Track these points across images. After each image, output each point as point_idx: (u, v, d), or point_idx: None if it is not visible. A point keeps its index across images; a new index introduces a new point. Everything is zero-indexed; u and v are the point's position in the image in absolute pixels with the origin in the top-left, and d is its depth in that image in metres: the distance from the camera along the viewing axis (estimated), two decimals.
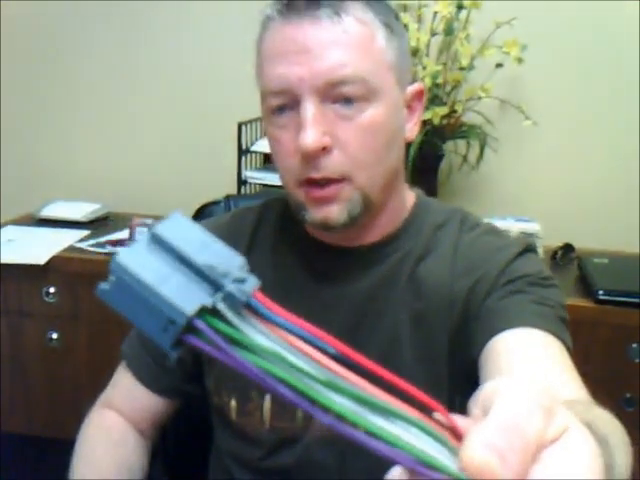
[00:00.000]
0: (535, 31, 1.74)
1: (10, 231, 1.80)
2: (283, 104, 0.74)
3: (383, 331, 0.80)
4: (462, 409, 0.30)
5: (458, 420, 0.27)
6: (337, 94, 0.72)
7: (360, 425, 0.24)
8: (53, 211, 1.93)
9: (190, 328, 0.24)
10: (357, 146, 0.74)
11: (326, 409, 0.24)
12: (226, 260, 0.25)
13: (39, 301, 1.69)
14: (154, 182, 2.08)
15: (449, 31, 1.68)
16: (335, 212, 0.75)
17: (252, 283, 0.25)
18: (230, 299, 0.24)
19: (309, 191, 0.75)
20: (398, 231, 0.83)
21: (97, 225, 1.91)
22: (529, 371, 0.65)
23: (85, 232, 1.83)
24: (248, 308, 0.25)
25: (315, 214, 0.76)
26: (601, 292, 1.45)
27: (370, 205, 0.77)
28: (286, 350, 0.25)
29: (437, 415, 0.27)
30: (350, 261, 0.82)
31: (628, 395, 1.46)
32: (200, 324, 0.24)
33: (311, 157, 0.72)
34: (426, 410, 0.26)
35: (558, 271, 1.64)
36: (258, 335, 0.25)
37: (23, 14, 2.06)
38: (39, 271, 1.65)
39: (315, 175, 0.74)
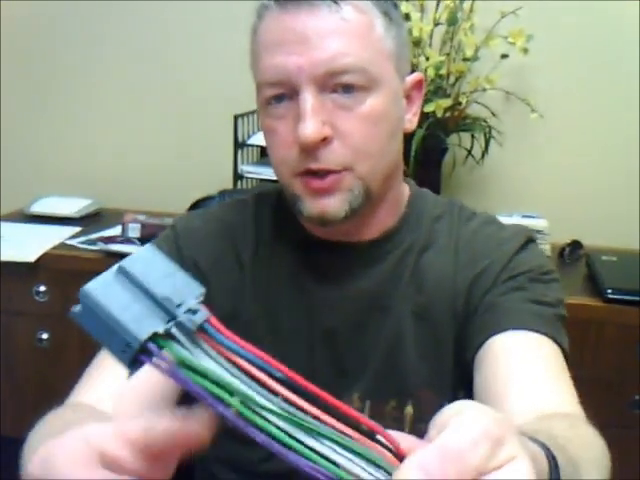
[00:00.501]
0: (541, 21, 1.72)
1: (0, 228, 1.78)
2: (280, 94, 0.73)
3: (387, 328, 0.80)
4: None
5: (407, 441, 0.29)
6: (336, 83, 0.71)
7: (289, 445, 0.27)
8: (44, 207, 1.91)
9: (146, 350, 0.28)
10: (358, 136, 0.73)
11: (260, 429, 0.27)
12: (185, 291, 0.29)
13: (29, 300, 1.67)
14: (147, 177, 2.06)
15: (453, 21, 1.66)
16: (334, 204, 0.73)
17: (202, 315, 0.29)
18: (182, 327, 0.28)
19: (307, 181, 0.73)
20: (398, 225, 0.83)
21: (89, 221, 1.89)
22: (521, 380, 0.67)
23: (76, 228, 1.82)
24: (204, 333, 0.28)
25: (312, 206, 0.74)
26: (610, 291, 1.44)
27: (371, 197, 0.76)
28: (228, 372, 0.28)
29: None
30: (351, 258, 0.81)
31: (637, 397, 1.44)
32: (152, 347, 0.27)
33: (310, 148, 0.71)
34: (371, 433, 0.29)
35: (565, 269, 1.64)
36: (205, 358, 0.28)
37: (22, 12, 2.06)
38: (29, 269, 1.64)
39: (314, 166, 0.72)
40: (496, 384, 0.68)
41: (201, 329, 0.28)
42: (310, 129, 0.69)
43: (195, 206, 1.60)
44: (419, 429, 0.75)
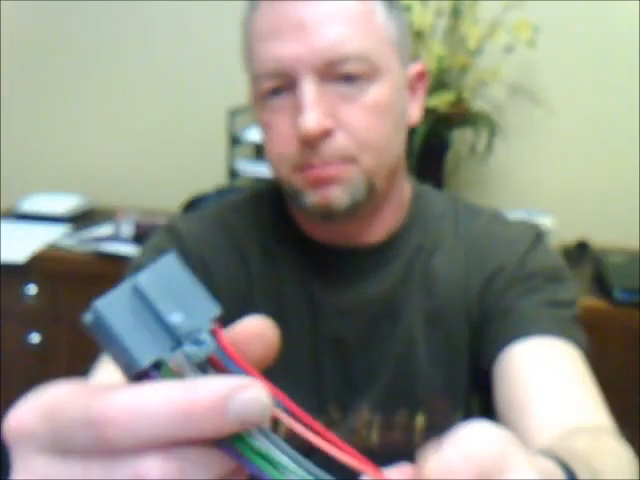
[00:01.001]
0: (547, 12, 1.70)
1: None
2: (278, 86, 0.70)
3: (398, 335, 0.78)
4: (480, 410, 0.31)
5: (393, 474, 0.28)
6: (337, 72, 0.69)
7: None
8: (33, 205, 1.89)
9: (148, 374, 0.27)
10: (363, 127, 0.70)
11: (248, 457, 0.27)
12: (199, 313, 0.29)
13: (19, 301, 1.67)
14: (140, 173, 2.06)
15: (456, 12, 1.65)
16: (336, 194, 0.70)
17: (208, 348, 0.28)
18: (187, 357, 0.28)
19: (308, 172, 0.70)
20: (403, 226, 0.81)
21: (80, 220, 1.88)
22: (545, 394, 0.66)
23: (67, 228, 1.80)
24: (216, 358, 0.29)
25: (314, 197, 0.71)
26: (618, 291, 1.42)
27: (374, 192, 0.73)
28: None
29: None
30: (358, 262, 0.79)
31: None
32: (153, 374, 0.27)
33: (312, 142, 0.68)
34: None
35: (572, 269, 1.58)
36: None
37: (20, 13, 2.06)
38: (19, 270, 1.61)
39: (315, 161, 0.69)
40: (518, 398, 0.67)
41: (212, 355, 0.29)
42: (311, 121, 0.66)
43: (192, 204, 1.57)
44: (430, 438, 0.72)
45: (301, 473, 0.27)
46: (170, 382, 0.27)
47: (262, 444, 0.27)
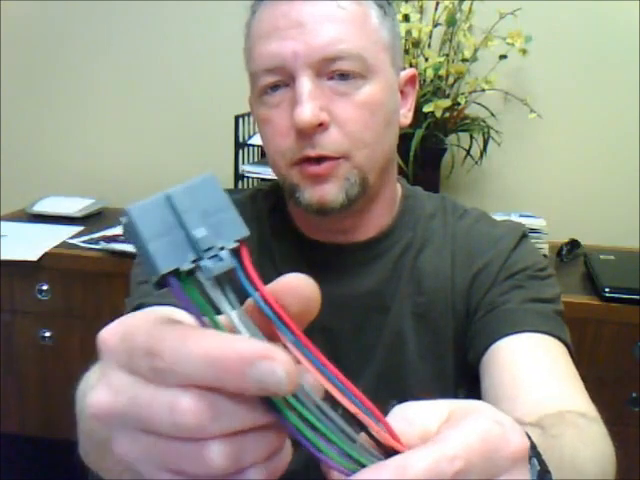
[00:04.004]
0: (540, 22, 1.72)
1: (2, 227, 1.78)
2: (276, 82, 0.72)
3: (388, 328, 0.79)
4: None
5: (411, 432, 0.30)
6: (333, 70, 0.70)
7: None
8: (46, 206, 1.91)
9: (168, 282, 0.28)
10: (355, 123, 0.71)
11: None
12: (225, 232, 0.29)
13: (32, 298, 1.67)
14: (149, 176, 2.05)
15: (451, 22, 1.66)
16: (331, 191, 0.72)
17: (226, 264, 0.28)
18: (203, 270, 0.28)
19: (304, 168, 0.72)
20: (393, 223, 0.82)
21: (91, 220, 1.89)
22: (529, 383, 0.66)
23: (79, 228, 1.81)
24: (233, 278, 0.29)
25: (310, 194, 0.73)
26: (607, 289, 1.43)
27: (367, 188, 0.74)
28: (241, 324, 0.28)
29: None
30: (349, 257, 0.81)
31: (634, 395, 1.45)
32: (172, 282, 0.28)
33: (307, 133, 0.70)
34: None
35: (563, 268, 1.63)
36: (222, 302, 0.28)
37: (23, 12, 2.05)
38: (32, 268, 1.63)
39: (311, 153, 0.71)
40: (503, 388, 0.67)
41: (231, 274, 0.29)
42: (307, 112, 0.68)
43: None
44: None
45: (335, 438, 0.28)
46: (212, 333, 0.27)
47: (300, 406, 0.27)
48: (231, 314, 0.29)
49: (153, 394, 0.27)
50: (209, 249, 0.28)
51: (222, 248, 0.29)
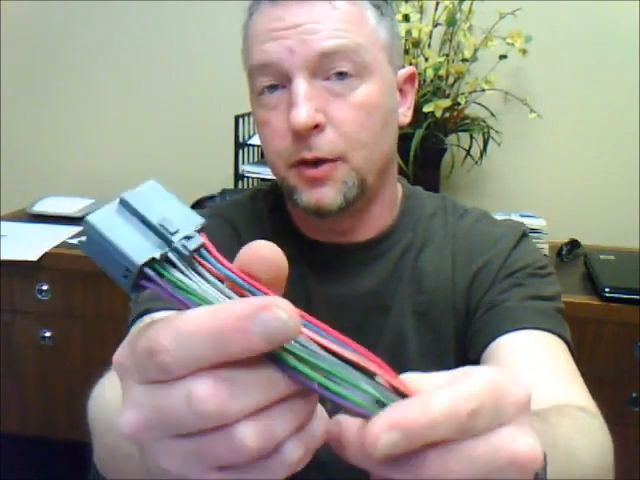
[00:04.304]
0: (540, 22, 1.72)
1: (2, 227, 1.78)
2: (272, 84, 0.72)
3: (390, 326, 0.79)
4: None
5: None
6: (329, 69, 0.70)
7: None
8: (46, 206, 1.91)
9: (145, 275, 0.29)
10: (352, 124, 0.71)
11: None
12: (184, 221, 0.30)
13: (32, 298, 1.67)
14: (149, 176, 1.94)
15: (451, 22, 1.66)
16: (329, 195, 0.72)
17: (196, 241, 0.30)
18: (177, 252, 0.29)
19: (301, 171, 0.72)
20: (394, 223, 0.82)
21: None
22: (529, 380, 0.65)
23: (79, 228, 1.80)
24: (201, 258, 0.30)
25: (308, 197, 0.72)
26: (607, 289, 1.43)
27: (366, 189, 0.74)
28: (220, 294, 0.29)
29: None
30: (350, 258, 0.81)
31: (634, 395, 1.45)
32: (150, 272, 0.28)
33: (303, 135, 0.70)
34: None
35: (563, 268, 1.63)
36: (201, 281, 0.29)
37: (23, 12, 2.05)
38: (32, 268, 1.63)
39: (307, 155, 0.71)
40: None
41: (198, 255, 0.30)
42: (302, 114, 0.68)
43: (197, 204, 1.61)
44: None
45: (352, 379, 0.28)
46: (202, 307, 0.27)
47: (308, 355, 0.28)
48: (216, 291, 0.29)
49: (169, 394, 0.27)
50: (176, 232, 0.29)
51: (187, 233, 0.30)
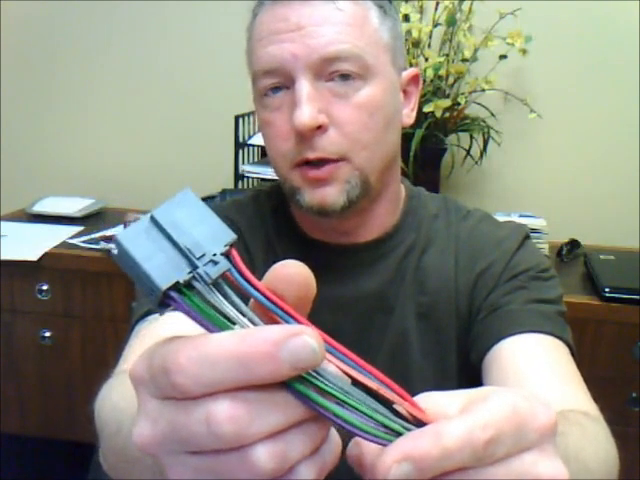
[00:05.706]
0: (540, 22, 1.73)
1: (2, 227, 1.78)
2: (276, 85, 0.72)
3: (393, 326, 0.79)
4: None
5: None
6: (332, 71, 0.70)
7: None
8: (46, 206, 1.91)
9: (169, 296, 0.29)
10: (355, 125, 0.71)
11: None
12: (212, 239, 0.30)
13: (32, 298, 1.67)
14: (149, 176, 2.06)
15: (451, 22, 1.67)
16: (332, 194, 0.72)
17: (222, 266, 0.29)
18: (201, 278, 0.29)
19: (304, 172, 0.72)
20: (397, 224, 0.82)
21: (91, 221, 1.89)
22: (532, 384, 0.66)
23: (79, 228, 1.81)
24: (229, 278, 0.30)
25: (311, 196, 0.73)
26: (607, 289, 1.43)
27: (369, 190, 0.74)
28: (244, 318, 0.29)
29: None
30: (353, 258, 0.80)
31: (634, 395, 1.45)
32: (174, 295, 0.28)
33: (306, 136, 0.70)
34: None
35: (563, 268, 1.63)
36: (224, 303, 0.29)
37: (23, 12, 2.05)
38: (32, 268, 1.63)
39: (310, 155, 0.71)
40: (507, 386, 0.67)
41: (225, 276, 0.30)
42: (305, 115, 0.68)
43: None
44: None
45: (366, 409, 0.28)
46: (229, 332, 0.27)
47: (325, 384, 0.28)
48: (239, 314, 0.29)
49: (186, 412, 0.27)
50: (202, 257, 0.29)
51: (214, 255, 0.29)
